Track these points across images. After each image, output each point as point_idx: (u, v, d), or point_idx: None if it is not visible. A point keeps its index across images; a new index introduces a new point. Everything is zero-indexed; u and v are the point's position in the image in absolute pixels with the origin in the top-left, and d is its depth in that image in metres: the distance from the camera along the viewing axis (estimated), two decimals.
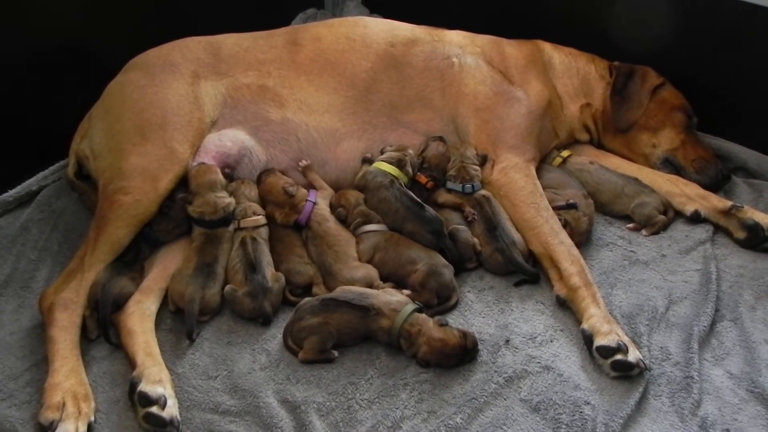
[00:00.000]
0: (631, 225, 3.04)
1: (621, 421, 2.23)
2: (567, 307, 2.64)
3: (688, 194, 3.09)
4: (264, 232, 2.79)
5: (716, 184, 3.20)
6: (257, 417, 2.28)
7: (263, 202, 2.86)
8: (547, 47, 3.36)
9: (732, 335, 2.55)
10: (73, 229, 2.97)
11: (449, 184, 2.97)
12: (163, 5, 3.59)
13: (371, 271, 2.68)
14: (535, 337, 2.53)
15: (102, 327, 2.54)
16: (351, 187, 2.98)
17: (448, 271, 2.67)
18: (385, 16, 3.46)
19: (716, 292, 2.68)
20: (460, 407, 2.29)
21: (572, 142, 3.36)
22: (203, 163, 2.83)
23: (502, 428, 2.23)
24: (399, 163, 2.91)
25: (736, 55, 3.31)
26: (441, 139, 3.06)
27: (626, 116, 3.27)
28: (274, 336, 2.55)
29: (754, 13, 3.20)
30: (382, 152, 2.99)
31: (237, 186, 2.87)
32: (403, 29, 3.24)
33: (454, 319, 2.59)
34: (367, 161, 2.98)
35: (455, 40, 3.24)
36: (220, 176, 2.80)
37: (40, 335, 2.52)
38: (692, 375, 2.36)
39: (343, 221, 2.85)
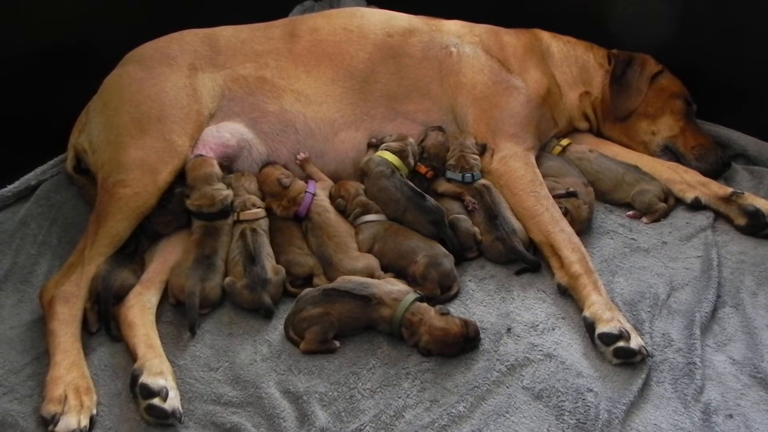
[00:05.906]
0: (631, 212, 3.04)
1: (624, 407, 2.22)
2: (568, 295, 2.64)
3: (689, 181, 3.09)
4: (264, 224, 2.78)
5: (716, 171, 3.19)
6: (259, 408, 2.28)
7: (261, 193, 2.85)
8: (545, 36, 3.35)
9: (734, 321, 2.55)
10: (73, 223, 2.97)
11: (449, 174, 2.96)
12: None
13: (372, 261, 2.67)
14: (537, 325, 2.53)
15: (103, 320, 2.54)
16: (352, 174, 2.98)
17: (448, 261, 2.67)
18: (383, 7, 3.44)
19: (717, 278, 2.68)
20: (462, 396, 2.28)
21: (572, 131, 3.36)
22: (200, 155, 2.81)
23: (504, 416, 2.23)
24: (401, 154, 2.91)
25: (736, 42, 3.30)
26: (440, 128, 3.05)
27: (625, 104, 3.26)
28: (276, 327, 2.55)
29: (753, 0, 3.19)
30: (381, 142, 2.98)
31: (236, 178, 2.86)
32: (401, 19, 3.23)
33: (456, 308, 2.58)
34: (373, 146, 2.97)
35: (453, 29, 3.24)
36: (217, 168, 2.79)
37: (40, 329, 2.52)
38: (695, 361, 2.36)
39: (342, 212, 2.84)
